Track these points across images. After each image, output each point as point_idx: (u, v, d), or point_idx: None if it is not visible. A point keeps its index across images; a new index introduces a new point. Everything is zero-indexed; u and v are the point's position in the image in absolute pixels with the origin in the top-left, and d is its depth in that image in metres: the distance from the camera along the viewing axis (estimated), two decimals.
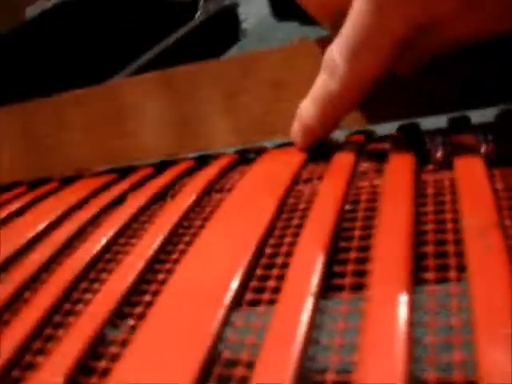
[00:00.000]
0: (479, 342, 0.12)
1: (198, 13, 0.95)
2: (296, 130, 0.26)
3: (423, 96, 0.26)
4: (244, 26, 1.05)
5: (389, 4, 0.22)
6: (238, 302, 0.16)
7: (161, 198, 0.25)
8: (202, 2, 1.00)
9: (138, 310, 0.17)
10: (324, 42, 0.26)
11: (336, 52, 0.23)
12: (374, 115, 0.27)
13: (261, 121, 0.28)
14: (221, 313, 0.15)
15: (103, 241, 0.21)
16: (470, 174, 0.19)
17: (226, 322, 0.15)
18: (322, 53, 0.26)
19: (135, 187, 0.26)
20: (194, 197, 0.23)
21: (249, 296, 0.16)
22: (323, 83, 0.24)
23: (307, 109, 0.25)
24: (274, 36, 1.03)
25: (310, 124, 0.25)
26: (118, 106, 0.30)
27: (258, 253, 0.18)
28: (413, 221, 0.17)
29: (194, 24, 0.92)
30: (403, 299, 0.14)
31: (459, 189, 0.19)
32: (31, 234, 0.23)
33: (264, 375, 0.13)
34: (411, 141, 0.24)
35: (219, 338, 0.14)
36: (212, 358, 0.14)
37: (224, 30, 0.98)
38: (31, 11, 1.04)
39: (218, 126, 0.28)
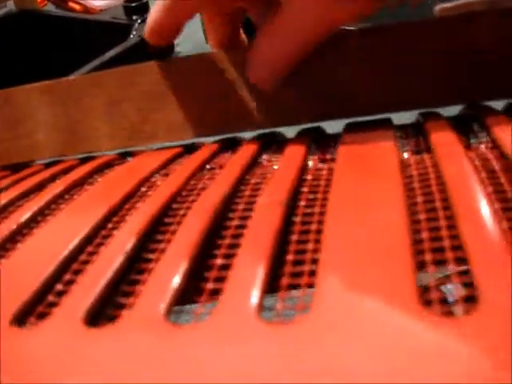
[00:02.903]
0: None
1: (132, 34, 0.99)
2: (146, 27, 0.30)
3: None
4: (178, 49, 1.08)
5: None
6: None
7: (38, 189, 0.28)
8: (137, 24, 1.03)
9: None
10: (191, 60, 0.30)
11: None
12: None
13: (138, 128, 0.31)
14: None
15: None
16: (287, 167, 0.23)
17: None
18: (191, 69, 0.30)
19: (19, 181, 0.29)
20: (62, 187, 0.26)
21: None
22: None
23: (154, 11, 0.30)
24: None
25: (154, 24, 0.30)
26: (15, 110, 0.33)
27: (94, 232, 0.21)
28: (224, 200, 0.21)
29: (127, 45, 0.95)
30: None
31: (273, 178, 0.22)
32: None
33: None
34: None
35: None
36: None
37: (158, 52, 1.02)
38: None
39: (100, 131, 0.32)
